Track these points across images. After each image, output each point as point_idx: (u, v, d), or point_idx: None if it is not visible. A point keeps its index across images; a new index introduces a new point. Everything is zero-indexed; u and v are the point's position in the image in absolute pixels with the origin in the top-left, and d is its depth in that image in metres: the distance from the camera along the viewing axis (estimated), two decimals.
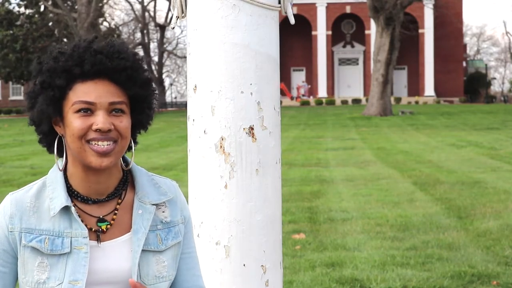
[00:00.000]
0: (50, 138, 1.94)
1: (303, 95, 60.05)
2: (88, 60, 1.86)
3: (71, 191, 1.92)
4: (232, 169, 2.79)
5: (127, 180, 1.98)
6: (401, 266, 6.75)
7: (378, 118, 37.23)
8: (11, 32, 57.69)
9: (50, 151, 1.95)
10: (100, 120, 1.83)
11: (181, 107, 65.77)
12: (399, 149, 20.71)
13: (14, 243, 1.90)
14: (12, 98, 72.98)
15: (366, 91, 60.67)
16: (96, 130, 1.84)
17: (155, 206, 1.97)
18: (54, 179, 1.93)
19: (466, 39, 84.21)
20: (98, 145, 1.84)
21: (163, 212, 1.99)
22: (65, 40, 60.14)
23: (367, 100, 45.99)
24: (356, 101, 57.70)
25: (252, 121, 2.80)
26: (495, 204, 10.27)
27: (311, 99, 58.72)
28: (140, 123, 1.96)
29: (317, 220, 9.29)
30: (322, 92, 62.67)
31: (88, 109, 1.85)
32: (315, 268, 6.75)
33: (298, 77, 66.00)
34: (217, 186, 2.79)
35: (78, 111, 1.85)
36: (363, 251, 7.44)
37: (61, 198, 1.89)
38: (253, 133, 2.80)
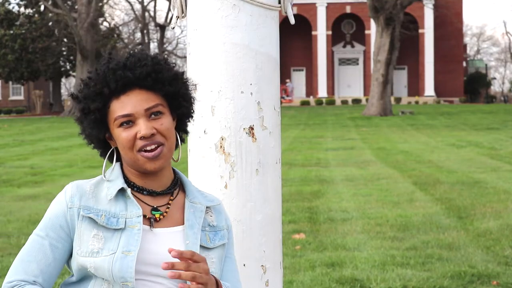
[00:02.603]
0: (107, 152, 2.11)
1: (287, 96, 59.10)
2: (112, 78, 2.00)
3: (127, 182, 2.07)
4: (232, 169, 2.79)
5: (178, 182, 2.13)
6: (401, 266, 6.74)
7: (378, 118, 37.22)
8: (10, 32, 57.67)
9: (110, 161, 2.11)
10: (142, 127, 1.99)
11: None
12: (399, 149, 20.71)
13: (72, 219, 2.02)
14: (12, 98, 72.95)
15: (366, 91, 60.64)
16: (141, 138, 1.99)
17: (205, 206, 2.12)
18: (112, 175, 2.09)
19: (466, 39, 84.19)
20: (147, 150, 2.00)
21: (210, 216, 2.14)
22: (65, 40, 60.19)
23: (367, 100, 45.98)
24: (356, 101, 57.69)
25: (252, 121, 2.80)
26: (495, 204, 10.26)
27: (294, 99, 58.20)
28: (183, 116, 2.10)
29: (317, 220, 9.29)
30: (322, 92, 62.66)
31: (129, 121, 2.01)
32: (315, 268, 6.75)
33: (298, 77, 66.01)
34: (217, 186, 2.79)
35: (121, 125, 2.00)
36: (363, 251, 7.44)
37: (119, 184, 2.04)
38: (253, 133, 2.80)
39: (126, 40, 67.68)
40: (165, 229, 2.05)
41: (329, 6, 63.94)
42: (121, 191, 2.05)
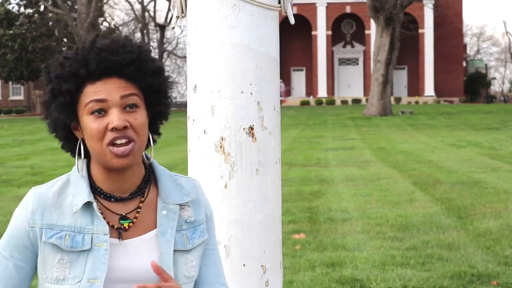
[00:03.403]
0: (72, 144, 1.94)
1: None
2: (93, 59, 1.84)
3: (94, 188, 1.92)
4: (232, 169, 2.79)
5: (150, 179, 1.97)
6: (401, 266, 6.74)
7: (378, 118, 37.23)
8: (10, 32, 57.68)
9: (73, 155, 1.95)
10: (114, 118, 1.82)
11: (181, 107, 65.76)
12: (399, 149, 20.71)
13: (35, 238, 1.89)
14: (12, 98, 72.97)
15: (366, 91, 60.65)
16: (112, 130, 1.82)
17: (179, 206, 1.97)
18: (77, 176, 1.92)
19: (466, 39, 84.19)
20: (117, 145, 1.83)
21: (187, 212, 1.99)
22: (65, 40, 60.19)
23: (367, 100, 45.99)
24: (356, 101, 57.70)
25: (252, 121, 2.80)
26: (495, 204, 10.26)
27: (287, 100, 58.13)
28: (159, 114, 1.95)
29: (317, 220, 9.29)
30: (322, 92, 62.67)
31: (101, 110, 1.84)
32: (315, 268, 6.75)
33: (298, 77, 66.01)
34: (217, 186, 2.79)
35: (92, 113, 1.84)
36: (363, 251, 7.43)
37: (84, 194, 1.89)
38: (253, 133, 2.80)
39: None
40: (136, 239, 1.91)
41: (329, 6, 63.94)
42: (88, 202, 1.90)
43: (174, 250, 1.93)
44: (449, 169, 15.15)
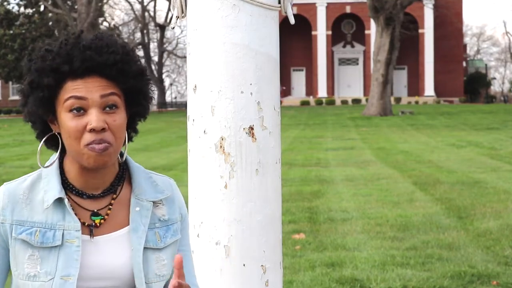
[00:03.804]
0: (47, 134, 1.91)
1: None
2: (77, 57, 1.82)
3: (66, 184, 1.90)
4: (232, 169, 2.79)
5: (123, 176, 1.95)
6: (401, 266, 6.74)
7: (378, 118, 37.23)
8: (10, 32, 57.70)
9: (47, 147, 1.93)
10: (93, 118, 1.79)
11: (181, 107, 65.78)
12: (399, 149, 20.71)
13: (6, 234, 1.88)
14: (12, 98, 72.97)
15: (366, 91, 60.66)
16: (90, 130, 1.80)
17: (152, 203, 1.95)
18: (49, 171, 1.91)
19: (466, 39, 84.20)
20: (93, 147, 1.81)
21: (161, 210, 1.97)
22: None
23: (367, 100, 46.00)
24: (356, 101, 57.70)
25: (252, 121, 2.80)
26: (495, 204, 10.26)
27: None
28: (137, 115, 1.93)
29: (317, 220, 9.29)
30: (322, 92, 62.67)
31: (80, 108, 1.81)
32: (315, 268, 6.75)
33: (298, 77, 66.01)
34: (217, 186, 2.79)
35: (71, 110, 1.81)
36: (363, 251, 7.43)
37: (55, 190, 1.87)
38: (253, 133, 2.80)
39: (126, 40, 67.69)
40: (107, 236, 1.89)
41: (329, 6, 63.94)
42: (59, 198, 1.87)
43: (146, 248, 1.91)
44: (449, 169, 15.15)
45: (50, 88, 1.82)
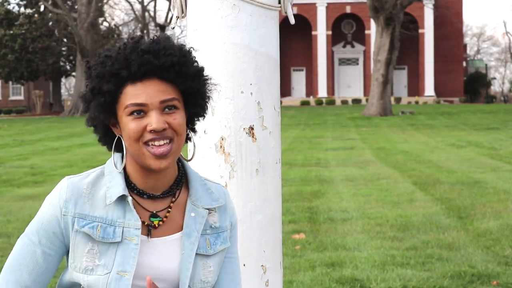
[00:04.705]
0: (109, 138, 1.95)
1: None
2: (135, 61, 1.84)
3: (127, 183, 1.93)
4: (232, 169, 2.79)
5: (182, 180, 1.98)
6: (401, 266, 6.74)
7: (378, 118, 37.22)
8: (10, 32, 57.69)
9: (109, 149, 1.96)
10: (154, 120, 1.83)
11: None
12: (399, 149, 20.71)
13: (66, 227, 1.90)
14: (12, 98, 72.95)
15: (366, 91, 60.65)
16: (151, 131, 1.83)
17: (207, 211, 1.98)
18: (113, 169, 1.94)
19: (466, 39, 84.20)
20: (155, 145, 1.84)
21: (213, 217, 2.00)
22: (65, 40, 60.18)
23: (367, 100, 45.99)
24: (356, 101, 57.70)
25: (252, 121, 2.80)
26: (495, 204, 10.26)
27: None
28: (195, 115, 1.96)
29: (317, 220, 9.28)
30: (322, 92, 62.66)
31: (140, 111, 1.84)
32: (315, 268, 6.75)
33: (298, 77, 66.01)
34: None
35: (131, 113, 1.84)
36: (363, 251, 7.43)
37: (119, 187, 1.90)
38: (253, 133, 2.80)
39: (125, 40, 67.62)
40: (162, 239, 1.92)
41: (329, 6, 63.93)
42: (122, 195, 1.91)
43: (196, 253, 1.94)
44: (449, 169, 15.15)
45: (110, 93, 1.85)
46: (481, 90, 70.83)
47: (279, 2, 2.88)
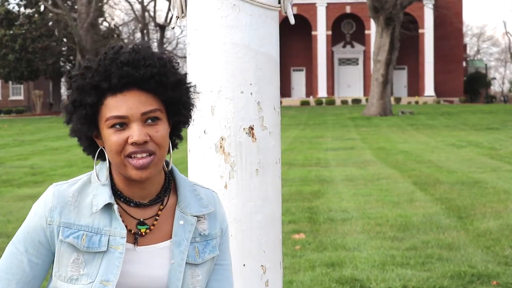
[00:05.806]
0: (93, 149, 1.94)
1: None
2: (114, 73, 1.82)
3: (114, 191, 1.91)
4: (232, 169, 2.79)
5: (169, 187, 1.96)
6: (401, 266, 6.74)
7: (378, 118, 37.23)
8: (10, 32, 57.69)
9: (94, 160, 1.95)
10: (135, 133, 1.81)
11: None
12: (399, 149, 20.71)
13: (52, 236, 1.88)
14: (12, 98, 72.95)
15: (366, 91, 60.65)
16: (132, 144, 1.82)
17: (196, 218, 1.95)
18: (99, 176, 1.92)
19: (466, 39, 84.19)
20: (137, 157, 1.82)
21: (202, 224, 1.98)
22: (65, 40, 60.18)
23: (367, 100, 45.99)
24: (356, 101, 57.70)
25: (252, 121, 2.79)
26: (495, 204, 10.26)
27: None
28: (179, 123, 1.94)
29: (317, 220, 9.28)
30: (322, 92, 62.66)
31: (122, 124, 1.83)
32: (315, 268, 6.75)
33: (298, 77, 66.00)
34: (217, 186, 2.79)
35: (112, 126, 1.83)
36: (363, 251, 7.43)
37: (106, 195, 1.88)
38: (253, 133, 2.80)
39: (126, 40, 67.66)
40: (150, 247, 1.90)
41: (329, 6, 63.92)
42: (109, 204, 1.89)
43: (185, 263, 1.92)
44: (449, 169, 15.15)
45: (92, 105, 1.84)
46: (481, 90, 70.83)
47: (279, 2, 2.88)
